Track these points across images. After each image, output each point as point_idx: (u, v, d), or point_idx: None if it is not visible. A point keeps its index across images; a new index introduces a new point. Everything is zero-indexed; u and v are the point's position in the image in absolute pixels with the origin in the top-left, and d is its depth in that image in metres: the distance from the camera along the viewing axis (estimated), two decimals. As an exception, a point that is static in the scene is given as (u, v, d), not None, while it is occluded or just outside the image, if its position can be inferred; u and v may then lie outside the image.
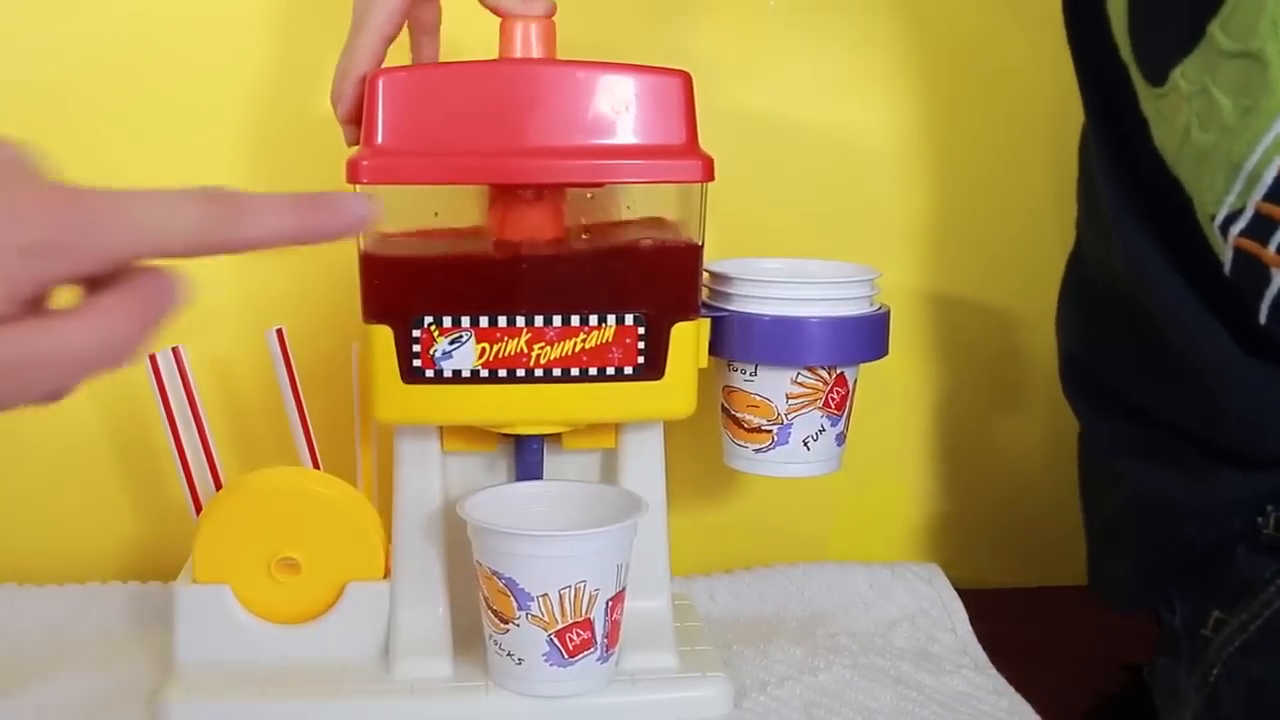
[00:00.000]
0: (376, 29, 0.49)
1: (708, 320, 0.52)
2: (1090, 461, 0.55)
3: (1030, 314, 0.66)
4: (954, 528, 0.70)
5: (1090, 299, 0.54)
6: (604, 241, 0.51)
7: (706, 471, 0.63)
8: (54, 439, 0.63)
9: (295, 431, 0.55)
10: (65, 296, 0.30)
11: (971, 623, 0.61)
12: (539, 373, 0.49)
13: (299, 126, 0.62)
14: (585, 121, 0.48)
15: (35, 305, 0.29)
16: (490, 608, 0.50)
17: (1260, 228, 0.42)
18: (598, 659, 0.50)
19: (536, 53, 0.49)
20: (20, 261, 0.28)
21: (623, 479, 0.54)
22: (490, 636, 0.50)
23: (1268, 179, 0.41)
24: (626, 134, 0.48)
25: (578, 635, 0.49)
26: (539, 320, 0.49)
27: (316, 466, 0.55)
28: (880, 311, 0.55)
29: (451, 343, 0.49)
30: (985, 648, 0.59)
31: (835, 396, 0.54)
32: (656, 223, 0.53)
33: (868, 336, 0.54)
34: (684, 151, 0.48)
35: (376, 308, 0.49)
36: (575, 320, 0.49)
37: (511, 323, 0.49)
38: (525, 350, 0.49)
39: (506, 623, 0.49)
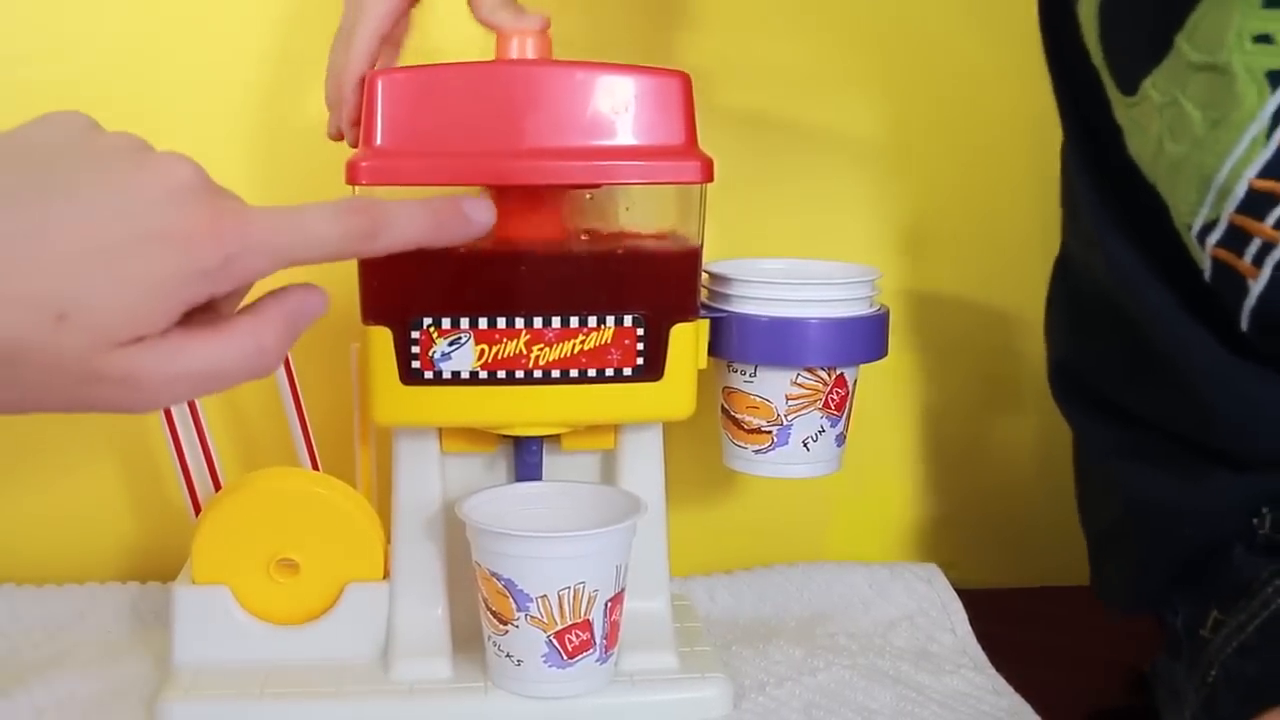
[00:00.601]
0: (372, 29, 0.49)
1: (707, 321, 0.52)
2: (1085, 467, 0.55)
3: (1029, 315, 0.66)
4: (953, 528, 0.70)
5: (1078, 305, 0.54)
6: (603, 243, 0.51)
7: (706, 472, 0.63)
8: (54, 439, 0.63)
9: (294, 432, 0.55)
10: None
11: (971, 623, 0.61)
12: (538, 374, 0.49)
13: (299, 126, 0.61)
14: (584, 122, 0.48)
15: (184, 317, 0.30)
16: (489, 609, 0.50)
17: (1235, 239, 0.42)
18: (597, 660, 0.50)
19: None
20: (189, 283, 0.30)
21: (622, 480, 0.54)
22: (489, 637, 0.50)
23: (1239, 192, 0.41)
24: (625, 135, 0.48)
25: (577, 636, 0.49)
26: (538, 321, 0.49)
27: (315, 467, 0.55)
28: (880, 312, 0.55)
29: (450, 344, 0.49)
30: (984, 648, 0.59)
31: (835, 397, 0.54)
32: (656, 223, 0.53)
33: (868, 337, 0.54)
34: (683, 152, 0.48)
35: (375, 309, 0.49)
36: (574, 321, 0.49)
37: (510, 324, 0.49)
38: (524, 351, 0.49)
39: (505, 624, 0.49)
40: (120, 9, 0.61)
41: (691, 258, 0.50)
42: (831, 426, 0.55)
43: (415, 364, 0.49)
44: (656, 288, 0.50)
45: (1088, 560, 0.55)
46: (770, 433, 0.54)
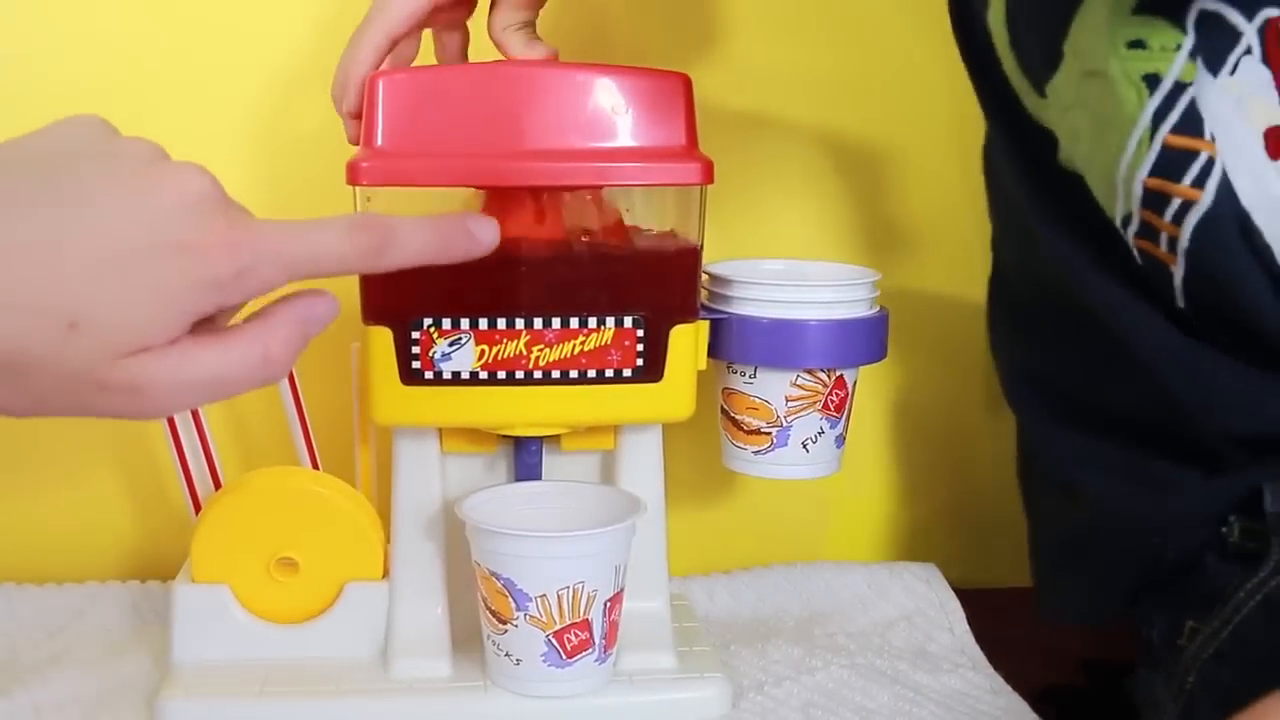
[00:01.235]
0: (386, 27, 0.49)
1: (706, 322, 0.52)
2: (1040, 478, 0.55)
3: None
4: (952, 528, 0.70)
5: (1021, 313, 0.54)
6: (603, 244, 0.51)
7: (705, 472, 0.63)
8: (54, 439, 0.63)
9: (294, 431, 0.55)
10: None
11: (969, 622, 0.61)
12: (538, 375, 0.49)
13: (301, 126, 0.61)
14: (585, 123, 0.48)
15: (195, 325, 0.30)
16: (489, 608, 0.50)
17: (1148, 231, 0.43)
18: (596, 660, 0.50)
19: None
20: (201, 294, 0.30)
21: (621, 480, 0.54)
22: (488, 637, 0.50)
23: (1138, 191, 0.42)
24: (626, 136, 0.48)
25: (576, 636, 0.49)
26: (538, 322, 0.49)
27: (316, 466, 0.55)
28: (880, 314, 0.55)
29: (451, 344, 0.49)
30: (983, 647, 0.59)
31: (835, 399, 0.54)
32: (656, 224, 0.53)
33: (867, 339, 0.54)
34: (683, 154, 0.48)
35: (376, 309, 0.49)
36: (574, 322, 0.49)
37: (511, 325, 0.49)
38: (524, 352, 0.49)
39: (505, 623, 0.49)
40: (123, 10, 0.61)
41: (691, 259, 0.50)
42: (831, 428, 0.55)
43: (415, 364, 0.49)
44: (657, 289, 0.50)
45: (1031, 572, 0.55)
46: (770, 434, 0.54)
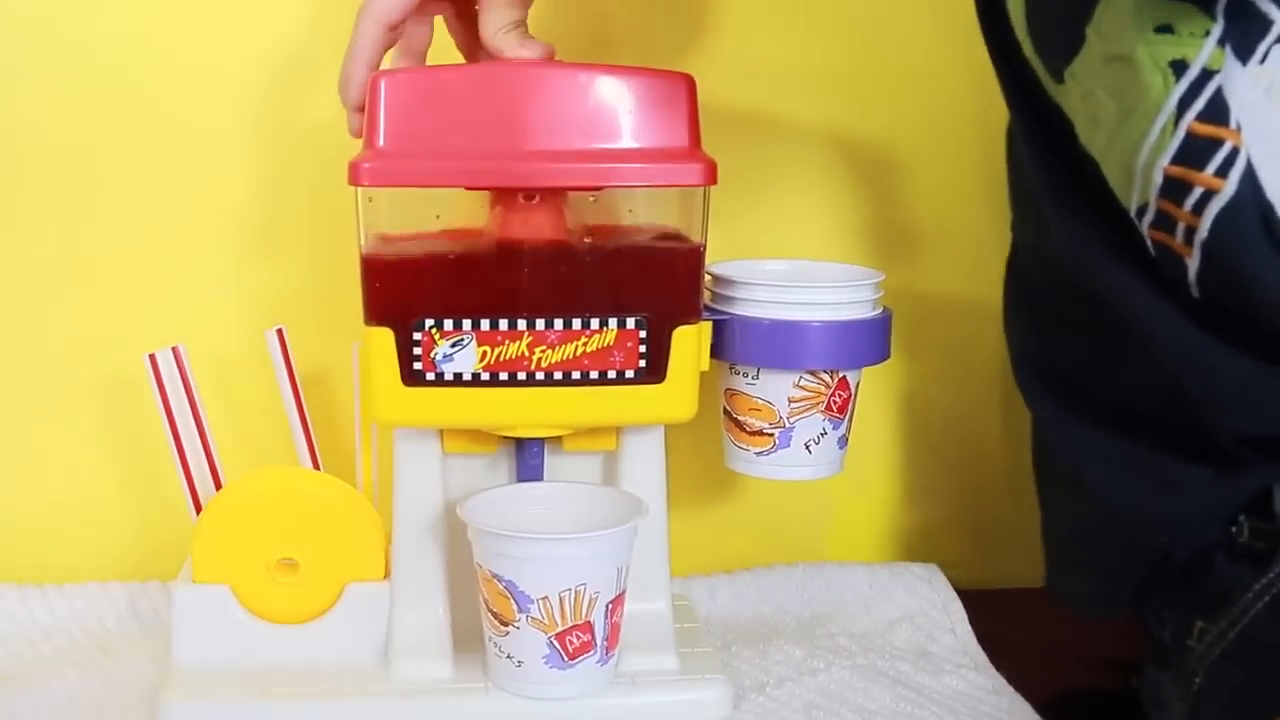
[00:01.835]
0: (377, 16, 0.48)
1: (709, 324, 0.52)
2: (1051, 468, 0.55)
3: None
4: (954, 528, 0.70)
5: (1033, 298, 0.54)
6: (606, 245, 0.51)
7: (707, 472, 0.63)
8: (54, 438, 0.63)
9: (295, 432, 0.55)
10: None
11: (971, 623, 0.61)
12: (540, 376, 0.49)
13: (302, 126, 0.61)
14: (587, 124, 0.47)
15: None
16: (490, 610, 0.50)
17: (1164, 222, 0.42)
18: (598, 661, 0.50)
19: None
20: None
21: (623, 481, 0.54)
22: (490, 638, 0.50)
23: (1158, 179, 0.41)
24: (629, 137, 0.48)
25: (578, 638, 0.49)
26: (540, 323, 0.49)
27: (316, 467, 0.55)
28: (882, 315, 0.54)
29: (453, 346, 0.49)
30: (985, 648, 0.59)
31: (838, 400, 0.54)
32: (659, 225, 0.52)
33: (870, 340, 0.54)
34: (686, 155, 0.48)
35: (378, 310, 0.49)
36: (577, 324, 0.49)
37: (513, 326, 0.49)
38: (526, 353, 0.49)
39: (506, 625, 0.49)
40: (123, 8, 0.61)
41: (694, 260, 0.50)
42: (834, 429, 0.55)
43: (417, 365, 0.49)
44: (659, 290, 0.49)
45: (1044, 560, 0.55)
46: (772, 435, 0.54)
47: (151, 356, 0.52)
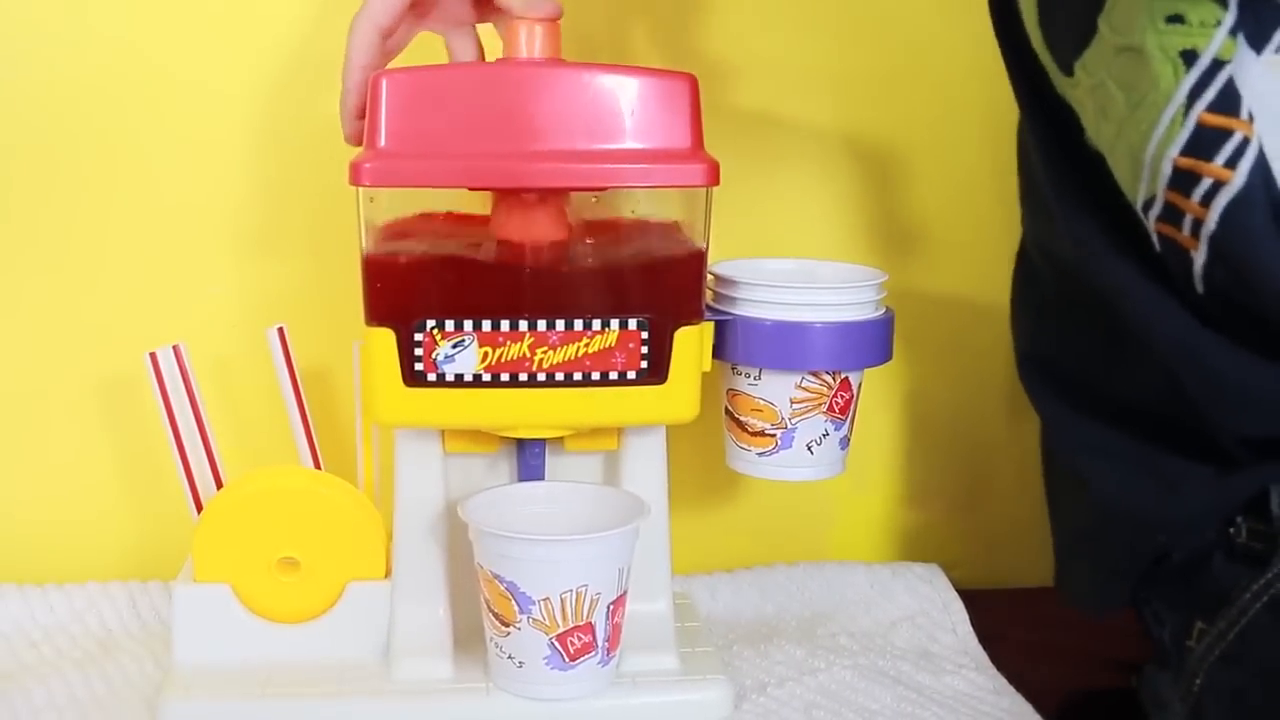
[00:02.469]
0: (372, 20, 0.48)
1: (711, 324, 0.52)
2: (1054, 460, 0.55)
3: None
4: (955, 528, 0.70)
5: (1039, 292, 0.54)
6: (607, 246, 0.51)
7: (708, 471, 0.63)
8: (54, 438, 0.63)
9: (296, 430, 0.54)
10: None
11: (972, 623, 0.61)
12: (541, 377, 0.49)
13: (304, 125, 0.61)
14: (589, 125, 0.47)
15: None
16: (491, 610, 0.50)
17: (1171, 214, 0.42)
18: (599, 662, 0.50)
19: (540, 54, 0.49)
20: None
21: (625, 481, 0.54)
22: (491, 639, 0.50)
23: (1166, 171, 0.41)
24: (631, 137, 0.48)
25: (579, 639, 0.49)
26: (542, 324, 0.48)
27: (317, 466, 0.55)
28: (885, 316, 0.54)
29: (454, 347, 0.48)
30: (985, 648, 0.59)
31: (840, 401, 0.54)
32: (661, 227, 0.52)
33: (872, 341, 0.53)
34: (689, 155, 0.48)
35: (379, 310, 0.48)
36: (578, 325, 0.49)
37: (514, 327, 0.48)
38: (528, 355, 0.49)
39: (507, 626, 0.49)
40: (121, 9, 0.60)
41: (696, 261, 0.50)
42: (836, 430, 0.54)
43: (418, 366, 0.49)
44: (661, 291, 0.49)
45: (1053, 554, 0.55)
46: (774, 436, 0.54)
47: (152, 355, 0.52)
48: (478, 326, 0.48)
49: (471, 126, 0.47)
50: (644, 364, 0.49)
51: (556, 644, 0.49)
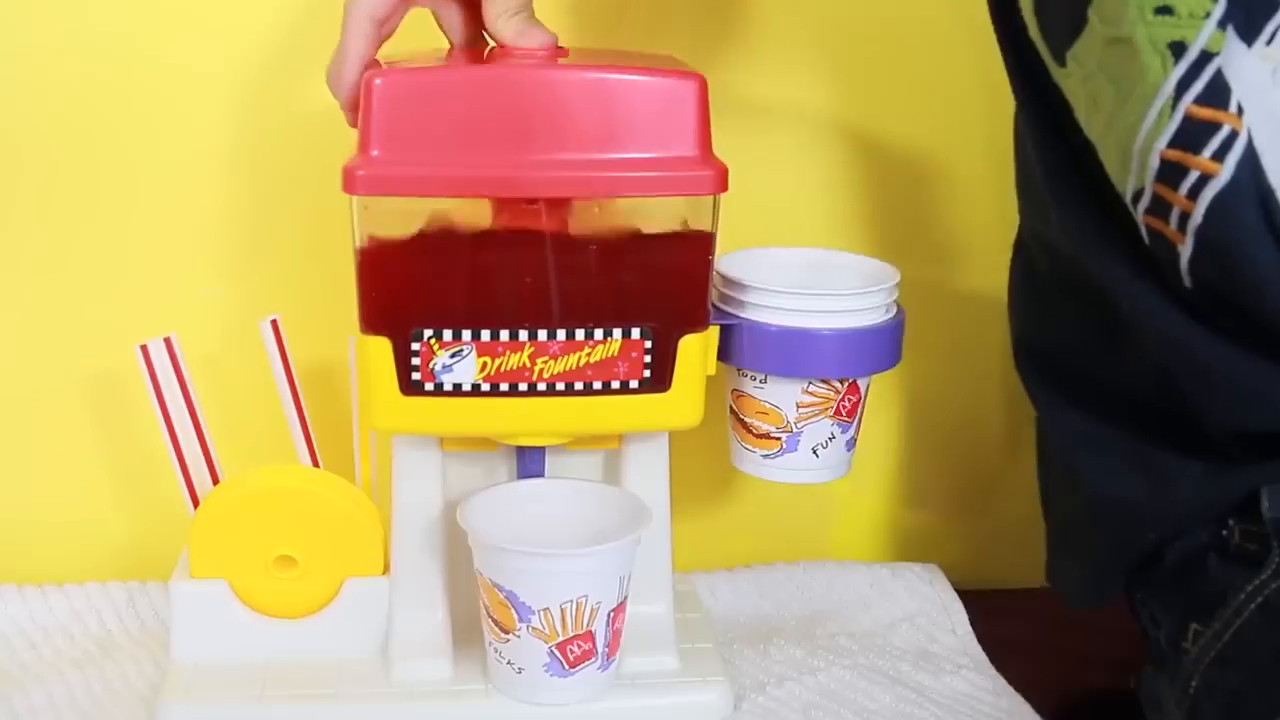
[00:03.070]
0: (367, 10, 0.47)
1: (716, 329, 0.51)
2: (1048, 452, 0.55)
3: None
4: (955, 528, 0.70)
5: (1038, 286, 0.53)
6: (610, 254, 0.49)
7: (709, 470, 0.63)
8: (50, 438, 0.62)
9: (293, 426, 0.54)
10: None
11: (972, 623, 0.61)
12: (542, 386, 0.48)
13: (293, 122, 0.59)
14: (593, 131, 0.45)
15: None
16: (491, 616, 0.49)
17: (1159, 207, 0.42)
18: (598, 668, 0.50)
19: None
20: None
21: (626, 481, 0.53)
22: (490, 644, 0.50)
23: (1154, 163, 0.41)
24: (636, 144, 0.46)
25: (579, 647, 0.49)
26: (542, 334, 0.47)
27: (315, 463, 0.54)
28: (895, 320, 0.53)
29: (452, 356, 0.47)
30: (985, 648, 0.59)
31: (847, 404, 0.53)
32: (666, 233, 0.51)
33: (881, 347, 0.52)
34: (695, 162, 0.46)
35: (374, 319, 0.47)
36: (580, 334, 0.47)
37: (514, 336, 0.47)
38: (528, 364, 0.48)
39: (507, 633, 0.49)
40: (113, 5, 0.58)
41: (702, 268, 0.48)
42: (842, 432, 0.54)
43: (415, 375, 0.47)
44: (666, 299, 0.48)
45: (1045, 545, 0.55)
46: (780, 439, 0.53)
47: (143, 347, 0.51)
48: (476, 336, 0.47)
49: (469, 132, 0.45)
50: (647, 373, 0.48)
51: (556, 652, 0.49)
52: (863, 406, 0.54)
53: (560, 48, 0.48)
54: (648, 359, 0.48)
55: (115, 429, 0.62)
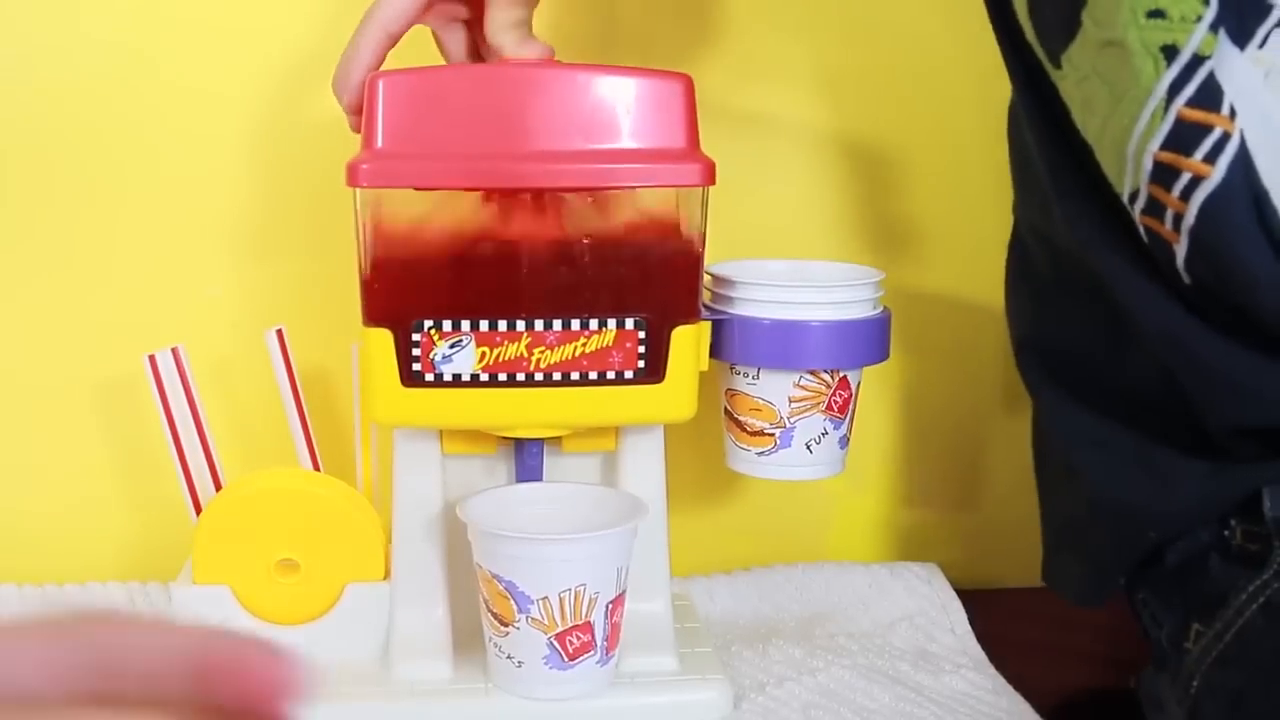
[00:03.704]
0: (383, 23, 0.49)
1: (708, 323, 0.52)
2: (1047, 449, 0.55)
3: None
4: (953, 528, 0.70)
5: (1037, 281, 0.54)
6: (604, 245, 0.51)
7: (706, 472, 0.63)
8: (54, 439, 0.63)
9: (295, 432, 0.54)
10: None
11: (971, 623, 0.61)
12: (539, 376, 0.49)
13: (301, 126, 0.61)
14: (585, 125, 0.47)
15: None
16: (490, 610, 0.50)
17: (1154, 208, 0.42)
18: (598, 662, 0.50)
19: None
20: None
21: (623, 482, 0.54)
22: (490, 639, 0.50)
23: (1148, 165, 0.41)
24: (627, 138, 0.48)
25: (578, 638, 0.49)
26: (539, 324, 0.49)
27: (316, 467, 0.55)
28: (882, 314, 0.54)
29: (451, 347, 0.49)
30: (984, 648, 0.59)
31: (838, 400, 0.54)
32: (658, 226, 0.52)
33: (870, 339, 0.53)
34: (684, 155, 0.48)
35: (376, 311, 0.49)
36: (575, 324, 0.49)
37: (512, 327, 0.48)
38: (525, 354, 0.49)
39: (506, 625, 0.49)
40: (122, 9, 0.60)
41: (693, 260, 0.50)
42: (835, 429, 0.55)
43: (416, 366, 0.49)
44: (658, 290, 0.49)
45: (1041, 543, 0.55)
46: (773, 435, 0.54)
47: (151, 357, 0.52)
48: (475, 326, 0.48)
49: (468, 127, 0.47)
50: (641, 363, 0.50)
51: (555, 643, 0.49)
52: (854, 403, 0.55)
53: (556, 61, 0.50)
54: (641, 349, 0.49)
55: (121, 433, 0.63)
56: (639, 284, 0.49)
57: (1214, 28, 0.40)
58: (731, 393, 0.55)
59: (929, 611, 0.62)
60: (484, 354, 0.49)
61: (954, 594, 0.63)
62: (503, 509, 0.51)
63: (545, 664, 0.49)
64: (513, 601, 0.48)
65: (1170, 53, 0.40)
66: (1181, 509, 0.47)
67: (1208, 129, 0.40)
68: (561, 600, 0.48)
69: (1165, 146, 0.41)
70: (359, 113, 0.48)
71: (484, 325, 0.48)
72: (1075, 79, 0.43)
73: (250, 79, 0.61)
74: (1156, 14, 0.40)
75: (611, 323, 0.49)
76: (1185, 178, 0.41)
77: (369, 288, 0.49)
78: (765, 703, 0.53)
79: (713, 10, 0.64)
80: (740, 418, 0.55)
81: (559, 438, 0.53)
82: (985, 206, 0.64)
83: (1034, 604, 0.62)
